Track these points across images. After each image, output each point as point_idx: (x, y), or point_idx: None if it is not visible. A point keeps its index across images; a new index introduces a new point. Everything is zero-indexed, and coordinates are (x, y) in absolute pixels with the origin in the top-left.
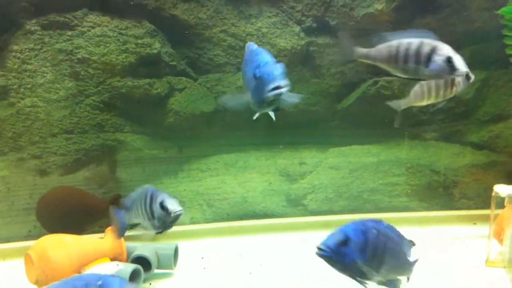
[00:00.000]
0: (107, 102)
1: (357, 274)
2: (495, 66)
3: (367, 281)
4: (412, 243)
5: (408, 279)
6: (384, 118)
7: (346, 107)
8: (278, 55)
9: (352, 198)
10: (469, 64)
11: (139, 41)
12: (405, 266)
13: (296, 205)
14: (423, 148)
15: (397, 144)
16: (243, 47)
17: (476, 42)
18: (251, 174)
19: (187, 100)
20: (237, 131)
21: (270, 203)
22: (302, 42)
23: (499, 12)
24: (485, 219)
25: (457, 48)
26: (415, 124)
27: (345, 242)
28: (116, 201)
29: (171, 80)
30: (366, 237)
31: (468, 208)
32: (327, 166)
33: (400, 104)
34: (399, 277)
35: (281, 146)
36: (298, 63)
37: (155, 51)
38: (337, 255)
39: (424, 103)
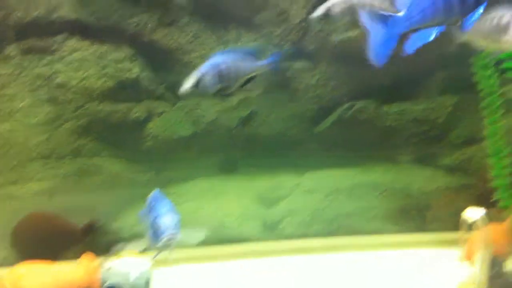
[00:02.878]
0: (85, 126)
1: None
2: (467, 91)
3: None
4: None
5: None
6: (360, 142)
7: (322, 131)
8: (257, 80)
9: (328, 221)
10: (442, 88)
11: (119, 66)
12: None
13: (273, 229)
14: (397, 172)
15: (372, 167)
16: None
17: (449, 68)
18: (228, 198)
19: (165, 124)
20: (215, 155)
21: (246, 227)
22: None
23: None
24: (457, 242)
25: (430, 74)
26: (390, 147)
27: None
28: (91, 227)
29: (150, 104)
30: None
31: (441, 230)
32: (303, 190)
33: None
34: None
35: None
36: (275, 88)
37: (134, 76)
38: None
39: None
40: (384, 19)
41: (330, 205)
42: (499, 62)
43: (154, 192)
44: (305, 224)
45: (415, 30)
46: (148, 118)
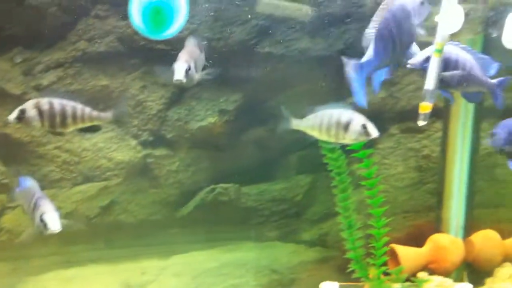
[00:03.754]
0: None
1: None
2: (320, 169)
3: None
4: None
5: None
6: (224, 223)
7: (185, 215)
8: (116, 168)
9: None
10: (299, 169)
11: None
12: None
13: None
14: (261, 249)
15: (236, 246)
16: (79, 162)
17: (303, 148)
18: (94, 286)
19: (20, 217)
20: (74, 245)
21: None
22: (139, 155)
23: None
24: None
25: (285, 155)
26: (253, 226)
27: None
28: None
29: (3, 198)
30: None
31: None
32: (170, 273)
33: None
34: None
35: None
36: (136, 175)
37: None
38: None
39: None
40: (354, 67)
41: (199, 287)
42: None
43: None
44: None
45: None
46: (2, 212)
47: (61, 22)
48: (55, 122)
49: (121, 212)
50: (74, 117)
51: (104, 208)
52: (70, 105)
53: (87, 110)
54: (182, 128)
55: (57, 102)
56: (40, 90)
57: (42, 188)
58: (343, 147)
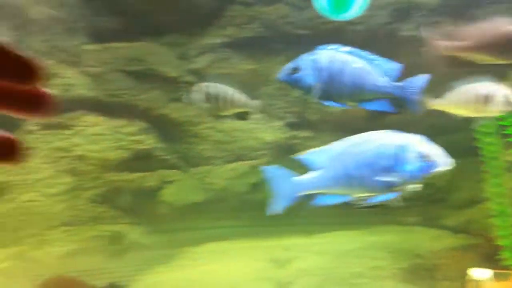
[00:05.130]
0: (104, 195)
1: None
2: (466, 154)
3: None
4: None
5: None
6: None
7: None
8: (264, 148)
9: (340, 282)
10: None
11: (133, 138)
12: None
13: None
14: (405, 233)
15: (380, 229)
16: (230, 142)
17: (448, 133)
18: (240, 261)
19: (178, 191)
20: (226, 220)
21: None
22: (285, 136)
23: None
24: None
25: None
26: (396, 210)
27: (295, 69)
28: None
29: (163, 173)
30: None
31: None
32: (313, 251)
33: None
34: None
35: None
36: (282, 155)
37: (147, 147)
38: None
39: None
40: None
41: (341, 266)
42: (500, 128)
43: None
44: (317, 285)
45: None
46: (161, 186)
47: (210, 8)
48: (218, 106)
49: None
50: (232, 102)
51: (254, 185)
52: (230, 90)
53: (242, 96)
54: (325, 111)
55: (221, 87)
56: (194, 73)
57: (197, 165)
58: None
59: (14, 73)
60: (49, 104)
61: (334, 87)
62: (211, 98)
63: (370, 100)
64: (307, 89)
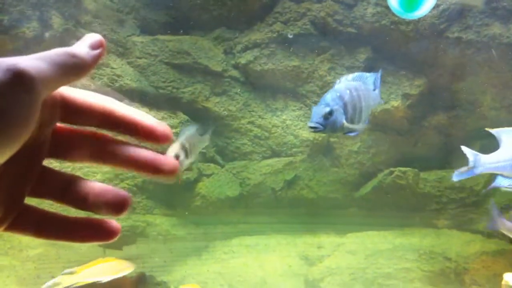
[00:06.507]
0: (140, 185)
1: (346, 131)
2: None
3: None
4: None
5: None
6: (399, 207)
7: (363, 195)
8: (301, 145)
9: (368, 282)
10: None
11: (174, 130)
12: (376, 99)
13: (314, 287)
14: (436, 236)
15: (411, 231)
16: (269, 137)
17: (486, 138)
18: (271, 256)
19: (213, 185)
20: (259, 215)
21: (288, 285)
22: (323, 134)
23: None
24: None
25: (467, 143)
26: (428, 212)
27: (330, 113)
28: (141, 279)
29: (200, 166)
30: (343, 100)
31: None
32: (344, 250)
33: None
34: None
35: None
36: (319, 153)
37: None
38: (327, 126)
39: None
40: None
41: (370, 266)
42: None
43: None
44: (346, 284)
45: None
46: (198, 179)
47: (260, 4)
48: None
49: (303, 188)
50: None
51: (289, 182)
52: None
53: None
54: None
55: None
56: (239, 68)
57: (234, 159)
58: None
59: (141, 135)
60: (172, 169)
61: (356, 117)
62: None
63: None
64: (340, 129)
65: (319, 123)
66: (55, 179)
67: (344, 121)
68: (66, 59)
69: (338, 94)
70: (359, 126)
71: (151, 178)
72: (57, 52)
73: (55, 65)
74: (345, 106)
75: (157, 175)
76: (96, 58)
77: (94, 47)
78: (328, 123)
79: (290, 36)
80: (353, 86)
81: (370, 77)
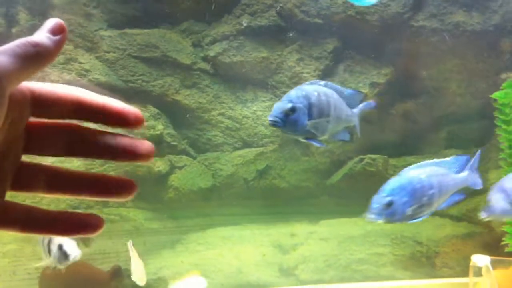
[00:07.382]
0: None
1: (308, 135)
2: (470, 145)
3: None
4: (361, 93)
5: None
6: (370, 193)
7: (334, 183)
8: (272, 135)
9: (341, 268)
10: (447, 144)
11: (145, 124)
12: (350, 117)
13: (288, 275)
14: None
15: None
16: (240, 128)
17: (453, 124)
18: (246, 246)
19: (186, 177)
20: (232, 206)
21: (263, 274)
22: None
23: (493, 96)
24: (465, 287)
25: (435, 130)
26: None
27: (292, 109)
28: (116, 272)
29: (172, 158)
30: (309, 100)
31: (449, 276)
32: (317, 238)
33: None
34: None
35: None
36: (289, 143)
37: (158, 132)
38: (287, 123)
39: None
40: None
41: (343, 253)
42: None
43: None
44: (320, 270)
45: None
46: (170, 172)
47: None
48: None
49: (275, 177)
50: None
51: (261, 172)
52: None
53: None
54: None
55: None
56: (208, 61)
57: (206, 151)
58: None
59: (113, 121)
60: (148, 152)
61: (321, 123)
62: None
63: (338, 132)
64: (301, 130)
65: (278, 118)
66: (39, 172)
67: (307, 123)
68: (27, 49)
69: (304, 93)
70: (323, 137)
71: (129, 162)
72: (17, 44)
73: (17, 57)
74: (310, 108)
75: (135, 160)
76: (59, 44)
77: (55, 32)
78: (288, 120)
79: (245, 24)
80: (324, 91)
81: (350, 94)
